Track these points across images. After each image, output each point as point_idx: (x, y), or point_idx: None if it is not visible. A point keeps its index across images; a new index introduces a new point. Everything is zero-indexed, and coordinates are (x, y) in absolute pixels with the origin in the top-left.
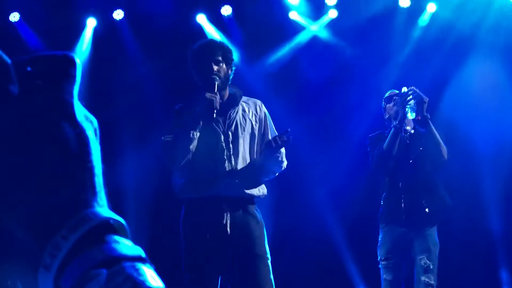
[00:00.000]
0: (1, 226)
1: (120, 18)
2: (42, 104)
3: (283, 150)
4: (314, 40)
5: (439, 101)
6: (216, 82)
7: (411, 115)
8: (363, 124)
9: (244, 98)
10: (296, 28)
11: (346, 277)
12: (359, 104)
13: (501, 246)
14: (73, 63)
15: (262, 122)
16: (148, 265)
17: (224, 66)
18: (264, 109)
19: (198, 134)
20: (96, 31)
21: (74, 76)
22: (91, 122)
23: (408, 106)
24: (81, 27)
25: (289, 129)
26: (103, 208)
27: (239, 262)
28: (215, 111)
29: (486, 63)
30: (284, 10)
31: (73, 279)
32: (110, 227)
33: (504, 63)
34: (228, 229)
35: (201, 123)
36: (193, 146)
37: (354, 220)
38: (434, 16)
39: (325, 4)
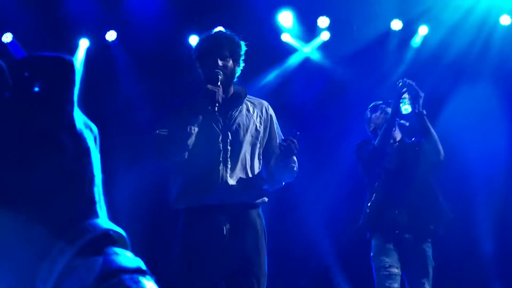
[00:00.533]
0: None
1: (113, 39)
2: (40, 113)
3: (295, 158)
4: (307, 62)
5: (433, 123)
6: (220, 77)
7: (405, 110)
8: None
9: (249, 97)
10: (288, 50)
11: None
12: (351, 125)
13: (493, 267)
14: (71, 67)
15: (267, 125)
16: (148, 277)
17: (230, 62)
18: (271, 111)
19: (196, 129)
20: (88, 52)
21: (73, 82)
22: (91, 129)
23: (403, 99)
24: (74, 47)
25: (298, 132)
26: (102, 219)
27: (235, 280)
28: (216, 105)
29: (479, 85)
30: (276, 32)
31: None
32: (110, 238)
33: (496, 84)
34: (227, 242)
35: (201, 118)
36: (190, 141)
37: (346, 239)
38: (426, 38)
39: (318, 26)
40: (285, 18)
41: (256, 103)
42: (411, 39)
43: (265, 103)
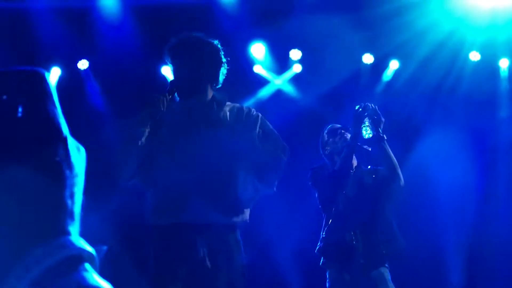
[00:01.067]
0: None
1: (85, 68)
2: (23, 125)
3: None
4: (278, 94)
5: (405, 153)
6: (174, 88)
7: (367, 135)
8: None
9: (230, 103)
10: (260, 82)
11: None
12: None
13: None
14: (44, 79)
15: (250, 130)
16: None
17: (196, 66)
18: (255, 114)
19: (147, 131)
20: (60, 80)
21: (50, 93)
22: (79, 150)
23: (364, 124)
24: None
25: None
26: (77, 237)
27: None
28: (158, 114)
29: (449, 117)
30: (248, 63)
31: None
32: (82, 257)
33: (466, 117)
34: (208, 263)
35: (156, 121)
36: (139, 141)
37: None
38: (397, 72)
39: (290, 58)
40: (258, 50)
41: (236, 109)
42: (382, 72)
43: (250, 108)
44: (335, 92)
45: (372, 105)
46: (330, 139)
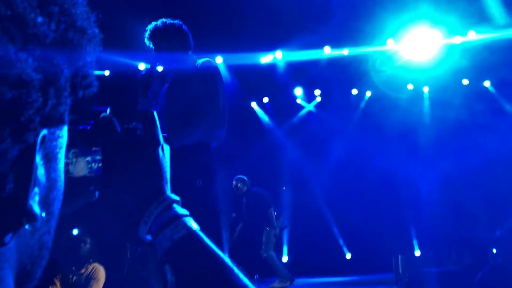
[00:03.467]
0: (119, 202)
1: None
2: (143, 143)
3: None
4: (309, 114)
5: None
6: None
7: None
8: None
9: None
10: (300, 107)
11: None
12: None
13: None
14: (153, 115)
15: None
16: (191, 218)
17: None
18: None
19: None
20: None
21: (157, 123)
22: (164, 148)
23: None
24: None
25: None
26: (169, 192)
27: None
28: None
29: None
30: (294, 98)
31: (157, 227)
32: (175, 201)
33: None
34: None
35: None
36: None
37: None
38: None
39: (314, 94)
40: (298, 91)
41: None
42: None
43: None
44: (340, 114)
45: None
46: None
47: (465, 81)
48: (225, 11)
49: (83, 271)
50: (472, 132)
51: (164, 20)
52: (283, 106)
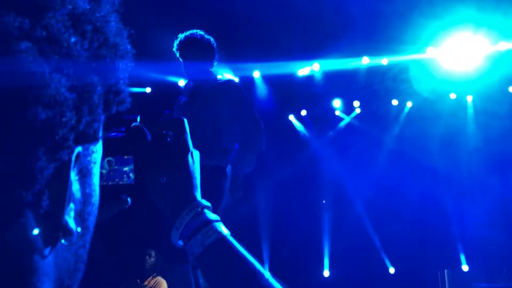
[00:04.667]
0: (156, 207)
1: None
2: (173, 150)
3: None
4: (349, 125)
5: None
6: None
7: None
8: None
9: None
10: (339, 119)
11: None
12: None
13: None
14: (183, 122)
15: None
16: (222, 223)
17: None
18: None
19: None
20: None
21: (186, 130)
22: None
23: None
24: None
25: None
26: (200, 198)
27: None
28: None
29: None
30: (333, 110)
31: (189, 232)
32: (206, 207)
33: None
34: None
35: None
36: None
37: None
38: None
39: (353, 106)
40: (336, 103)
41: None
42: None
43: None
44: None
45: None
46: None
47: None
48: (261, 25)
49: (146, 283)
50: None
51: (194, 31)
52: (321, 119)
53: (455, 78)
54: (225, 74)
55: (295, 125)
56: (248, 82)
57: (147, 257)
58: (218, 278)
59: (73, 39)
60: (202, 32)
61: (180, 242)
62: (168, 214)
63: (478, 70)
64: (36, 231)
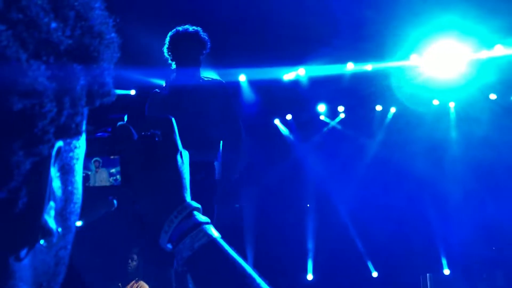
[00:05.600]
0: (141, 211)
1: None
2: (160, 149)
3: None
4: (333, 129)
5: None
6: None
7: None
8: None
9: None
10: (324, 123)
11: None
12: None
13: None
14: (172, 121)
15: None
16: (212, 226)
17: None
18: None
19: None
20: None
21: (175, 130)
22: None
23: None
24: None
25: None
26: (190, 200)
27: None
28: None
29: None
30: (318, 114)
31: (178, 236)
32: (195, 209)
33: None
34: None
35: None
36: None
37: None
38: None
39: (338, 111)
40: (321, 108)
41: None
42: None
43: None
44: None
45: None
46: None
47: (493, 96)
48: (247, 30)
49: (128, 287)
50: (500, 148)
51: (186, 26)
52: (306, 123)
53: (438, 85)
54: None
55: (280, 129)
56: (234, 86)
57: (130, 261)
58: (208, 282)
59: (53, 25)
60: (198, 28)
61: (169, 246)
62: (156, 216)
63: (460, 78)
64: (11, 232)
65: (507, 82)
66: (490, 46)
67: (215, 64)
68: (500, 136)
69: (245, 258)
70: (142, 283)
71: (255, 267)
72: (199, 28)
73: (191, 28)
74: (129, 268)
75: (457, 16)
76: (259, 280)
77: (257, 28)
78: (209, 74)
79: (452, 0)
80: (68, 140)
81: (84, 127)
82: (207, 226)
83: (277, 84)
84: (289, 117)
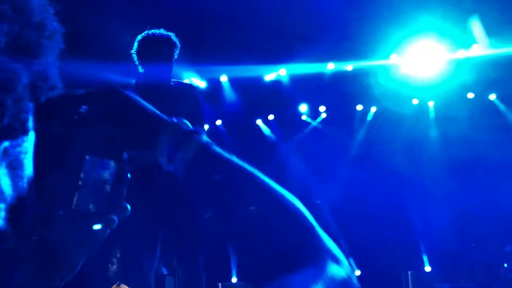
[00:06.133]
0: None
1: (219, 124)
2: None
3: None
4: (314, 130)
5: None
6: None
7: None
8: None
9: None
10: (306, 123)
11: None
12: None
13: None
14: (122, 95)
15: None
16: (203, 133)
17: None
18: None
19: None
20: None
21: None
22: None
23: None
24: None
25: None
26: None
27: None
28: None
29: None
30: (300, 115)
31: (172, 151)
32: (180, 121)
33: None
34: None
35: None
36: None
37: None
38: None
39: (319, 111)
40: (303, 108)
41: None
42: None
43: None
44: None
45: None
46: None
47: (471, 95)
48: (229, 29)
49: None
50: (478, 146)
51: (154, 30)
52: (288, 123)
53: (417, 84)
54: (192, 78)
55: (262, 129)
56: (215, 85)
57: (110, 265)
58: (211, 189)
59: None
60: (169, 33)
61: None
62: (147, 144)
63: (439, 77)
64: None
65: (483, 82)
66: (467, 46)
67: (196, 63)
68: (477, 135)
69: (228, 259)
70: (124, 286)
71: (238, 266)
72: (170, 33)
73: (158, 32)
74: (110, 272)
75: (436, 17)
76: (261, 175)
77: (239, 27)
78: (190, 74)
79: (431, 1)
80: (14, 141)
81: (30, 123)
82: (196, 135)
83: (259, 84)
84: (271, 117)
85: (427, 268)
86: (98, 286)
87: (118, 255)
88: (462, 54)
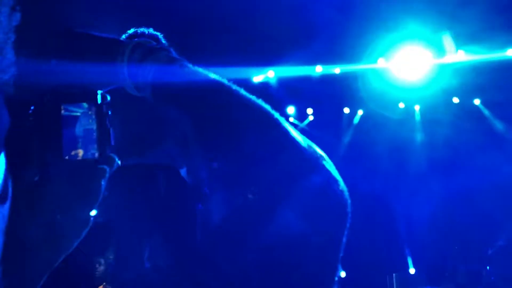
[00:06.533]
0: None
1: None
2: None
3: None
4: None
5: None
6: None
7: None
8: None
9: None
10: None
11: None
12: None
13: None
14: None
15: None
16: (165, 50)
17: None
18: None
19: None
20: None
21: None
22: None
23: None
24: None
25: None
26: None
27: None
28: None
29: None
30: (287, 116)
31: (136, 67)
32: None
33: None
34: None
35: None
36: None
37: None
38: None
39: (307, 113)
40: (290, 110)
41: None
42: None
43: None
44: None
45: None
46: None
47: (456, 100)
48: (215, 30)
49: None
50: (462, 150)
51: (143, 29)
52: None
53: (404, 88)
54: None
55: None
56: None
57: (97, 265)
58: (188, 104)
59: None
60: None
61: (128, 77)
62: (109, 71)
63: (425, 82)
64: None
65: (468, 87)
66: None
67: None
68: (461, 138)
69: None
70: None
71: None
72: (158, 33)
73: (147, 32)
74: (96, 273)
75: (422, 23)
76: (235, 86)
77: (226, 29)
78: None
79: (418, 8)
80: None
81: None
82: (162, 51)
83: (246, 86)
84: None
85: (412, 271)
86: (84, 287)
87: (110, 256)
88: (447, 59)
